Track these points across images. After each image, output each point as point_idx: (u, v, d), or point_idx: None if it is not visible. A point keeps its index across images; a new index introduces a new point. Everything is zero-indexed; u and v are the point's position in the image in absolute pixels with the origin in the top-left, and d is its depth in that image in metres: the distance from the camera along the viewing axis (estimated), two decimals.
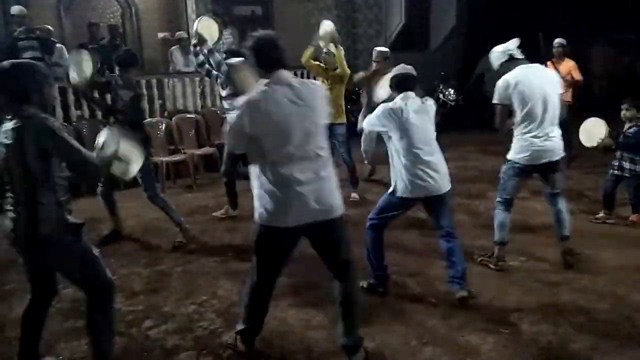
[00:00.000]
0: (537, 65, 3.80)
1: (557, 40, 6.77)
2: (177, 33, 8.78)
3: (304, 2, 11.29)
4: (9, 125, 2.31)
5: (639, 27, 12.13)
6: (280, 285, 3.70)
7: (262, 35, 2.60)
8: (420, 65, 13.13)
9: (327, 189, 2.54)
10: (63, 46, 7.60)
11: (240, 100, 2.54)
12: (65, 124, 6.42)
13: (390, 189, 3.41)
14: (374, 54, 6.14)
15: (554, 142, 3.67)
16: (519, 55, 3.73)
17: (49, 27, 7.47)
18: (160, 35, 8.96)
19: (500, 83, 3.69)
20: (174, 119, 7.21)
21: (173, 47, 8.56)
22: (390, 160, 3.42)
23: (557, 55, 6.72)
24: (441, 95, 10.11)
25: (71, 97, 6.70)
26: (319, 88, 2.72)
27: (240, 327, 2.85)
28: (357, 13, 11.20)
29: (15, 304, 3.55)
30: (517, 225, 4.47)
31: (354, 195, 5.78)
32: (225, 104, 4.91)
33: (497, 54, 3.80)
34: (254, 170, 2.56)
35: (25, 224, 2.37)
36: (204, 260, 4.21)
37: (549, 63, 6.40)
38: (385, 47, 11.36)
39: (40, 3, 8.94)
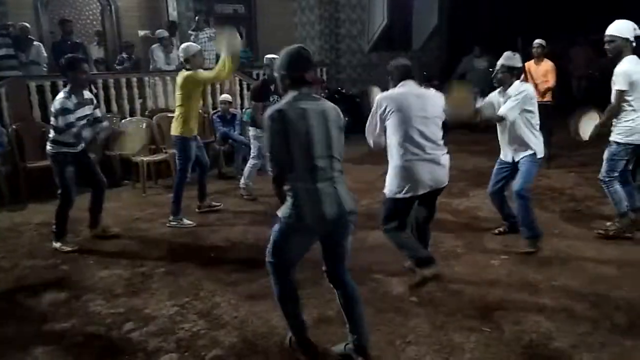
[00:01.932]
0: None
1: (537, 41, 6.80)
2: (158, 31, 8.68)
3: (286, 1, 11.27)
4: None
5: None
6: (264, 287, 3.69)
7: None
8: None
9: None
10: (40, 44, 7.47)
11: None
12: None
13: None
14: None
15: None
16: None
17: (26, 24, 7.34)
18: (141, 33, 8.85)
19: (623, 72, 4.01)
20: (154, 118, 7.12)
21: (154, 45, 8.46)
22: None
23: (536, 56, 6.75)
24: None
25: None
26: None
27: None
28: (340, 13, 11.20)
29: None
30: (498, 225, 4.52)
31: None
32: None
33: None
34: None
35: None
36: (186, 262, 4.16)
37: (527, 64, 6.44)
38: (368, 47, 11.48)
39: (18, 0, 8.78)
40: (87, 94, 4.48)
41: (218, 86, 7.94)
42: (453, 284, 3.61)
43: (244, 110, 7.71)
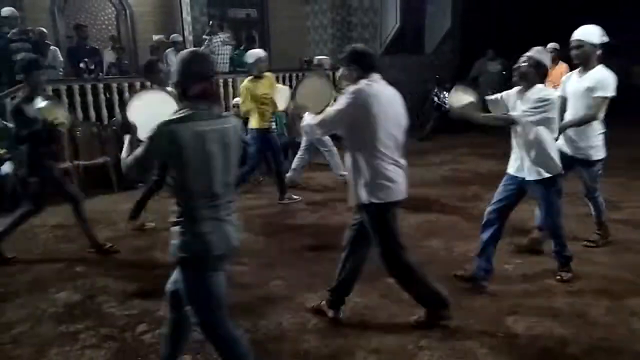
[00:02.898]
0: None
1: (550, 45, 6.78)
2: (172, 36, 8.76)
3: (299, 5, 11.30)
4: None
5: (628, 31, 12.20)
6: (275, 289, 3.69)
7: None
8: (415, 69, 13.23)
9: None
10: (57, 48, 7.58)
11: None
12: None
13: None
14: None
15: None
16: None
17: (43, 29, 7.45)
18: (155, 37, 8.94)
19: (611, 78, 3.86)
20: None
21: (168, 50, 8.54)
22: None
23: (551, 60, 6.69)
24: (436, 99, 10.12)
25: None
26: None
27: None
28: (352, 17, 11.19)
29: (6, 308, 3.53)
30: (513, 228, 4.48)
31: None
32: None
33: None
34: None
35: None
36: None
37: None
38: (381, 50, 11.47)
39: (34, 5, 8.91)
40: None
41: (230, 90, 7.99)
42: (466, 288, 3.58)
43: None
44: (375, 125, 2.81)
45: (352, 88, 2.87)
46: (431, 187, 6.38)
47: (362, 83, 2.87)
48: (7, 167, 5.84)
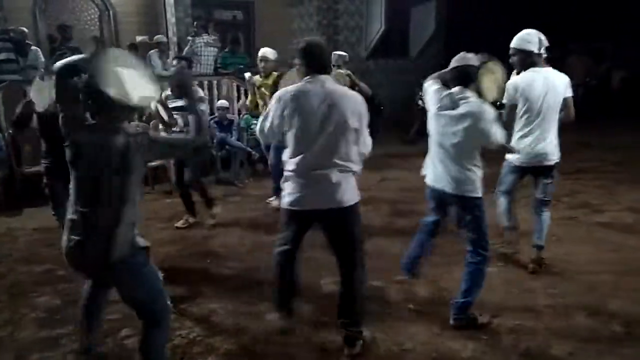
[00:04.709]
0: None
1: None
2: (156, 37, 8.68)
3: (286, 7, 11.30)
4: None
5: (614, 36, 12.42)
6: (261, 293, 3.67)
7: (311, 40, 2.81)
8: (399, 72, 13.29)
9: None
10: (38, 48, 7.46)
11: None
12: None
13: None
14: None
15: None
16: None
17: (24, 28, 7.33)
18: (139, 38, 8.84)
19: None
20: (152, 123, 7.10)
21: (151, 51, 8.46)
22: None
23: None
24: (420, 102, 10.16)
25: None
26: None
27: None
28: (338, 20, 11.23)
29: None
30: (496, 231, 4.51)
31: None
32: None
33: None
34: None
35: (101, 246, 2.24)
36: (182, 267, 4.15)
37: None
38: (366, 54, 11.51)
39: (16, 5, 8.77)
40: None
41: (215, 92, 7.95)
42: (451, 292, 3.60)
43: (241, 116, 7.71)
44: (289, 127, 2.72)
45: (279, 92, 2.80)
46: (416, 191, 6.40)
47: (297, 84, 2.77)
48: None
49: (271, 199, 5.76)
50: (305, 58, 2.76)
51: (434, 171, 3.24)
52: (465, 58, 3.09)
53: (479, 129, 2.94)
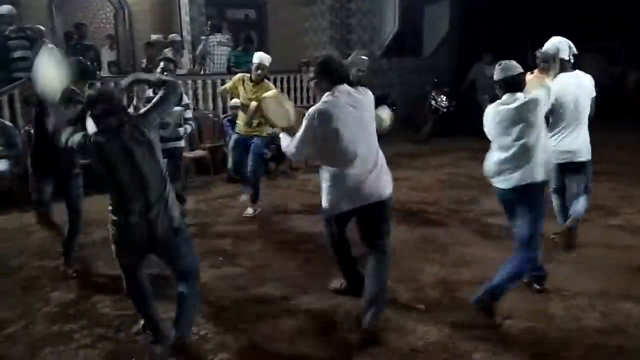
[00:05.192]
0: None
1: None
2: (170, 35, 8.74)
3: (298, 6, 11.31)
4: None
5: (627, 36, 12.28)
6: (272, 290, 3.69)
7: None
8: (413, 71, 13.22)
9: None
10: (54, 46, 7.54)
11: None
12: None
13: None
14: None
15: None
16: None
17: (40, 26, 7.42)
18: (153, 37, 8.92)
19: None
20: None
21: (165, 50, 8.51)
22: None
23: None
24: (433, 102, 10.13)
25: None
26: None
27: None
28: (351, 19, 11.21)
29: (1, 307, 3.51)
30: (509, 233, 4.48)
31: None
32: None
33: None
34: None
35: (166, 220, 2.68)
36: None
37: (535, 72, 6.38)
38: (379, 53, 11.49)
39: (32, 3, 8.88)
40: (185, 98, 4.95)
41: None
42: (461, 292, 3.59)
43: None
44: (334, 139, 2.96)
45: (312, 108, 3.01)
46: (427, 191, 6.39)
47: (325, 98, 2.99)
48: (3, 165, 5.81)
49: (252, 211, 5.45)
50: (324, 71, 3.02)
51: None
52: (509, 67, 3.23)
53: None
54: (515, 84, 3.17)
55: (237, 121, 5.64)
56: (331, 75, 3.01)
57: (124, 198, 2.63)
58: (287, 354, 2.94)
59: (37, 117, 3.88)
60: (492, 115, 3.22)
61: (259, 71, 5.28)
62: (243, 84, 5.38)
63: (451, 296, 3.55)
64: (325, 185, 3.11)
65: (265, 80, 5.44)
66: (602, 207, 5.45)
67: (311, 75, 3.10)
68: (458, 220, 5.20)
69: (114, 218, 2.68)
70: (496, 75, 3.26)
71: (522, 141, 3.09)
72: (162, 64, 5.01)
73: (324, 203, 3.15)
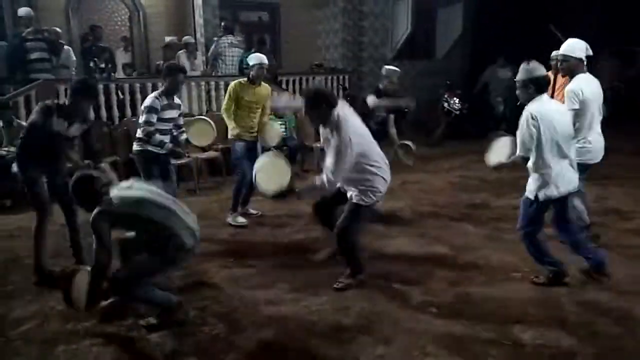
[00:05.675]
0: None
1: (555, 53, 6.68)
2: (184, 37, 8.82)
3: (311, 9, 11.33)
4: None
5: None
6: (284, 292, 3.70)
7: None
8: (425, 74, 13.15)
9: None
10: (70, 48, 7.65)
11: None
12: None
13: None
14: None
15: None
16: None
17: (57, 29, 7.53)
18: (167, 39, 9.00)
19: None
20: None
21: (180, 52, 8.60)
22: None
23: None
24: (446, 104, 10.10)
25: None
26: None
27: None
28: (363, 21, 11.21)
29: (16, 305, 3.56)
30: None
31: None
32: None
33: None
34: None
35: None
36: (206, 265, 4.20)
37: (549, 73, 6.35)
38: (391, 55, 11.47)
39: (49, 5, 9.00)
40: (177, 99, 4.84)
41: None
42: (473, 296, 3.57)
43: None
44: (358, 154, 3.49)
45: (335, 119, 3.47)
46: (439, 194, 6.37)
47: (335, 112, 3.48)
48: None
49: (244, 221, 5.33)
50: (325, 101, 3.50)
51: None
52: (533, 69, 3.33)
53: None
54: (544, 85, 3.28)
55: (234, 129, 5.28)
56: (329, 101, 3.52)
57: None
58: (297, 355, 2.94)
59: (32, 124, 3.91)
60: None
61: (262, 71, 5.23)
62: (242, 88, 5.22)
63: (463, 300, 3.54)
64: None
65: (263, 84, 5.34)
66: (616, 212, 5.39)
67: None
68: (470, 224, 5.17)
69: None
70: (524, 75, 3.31)
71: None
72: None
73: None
